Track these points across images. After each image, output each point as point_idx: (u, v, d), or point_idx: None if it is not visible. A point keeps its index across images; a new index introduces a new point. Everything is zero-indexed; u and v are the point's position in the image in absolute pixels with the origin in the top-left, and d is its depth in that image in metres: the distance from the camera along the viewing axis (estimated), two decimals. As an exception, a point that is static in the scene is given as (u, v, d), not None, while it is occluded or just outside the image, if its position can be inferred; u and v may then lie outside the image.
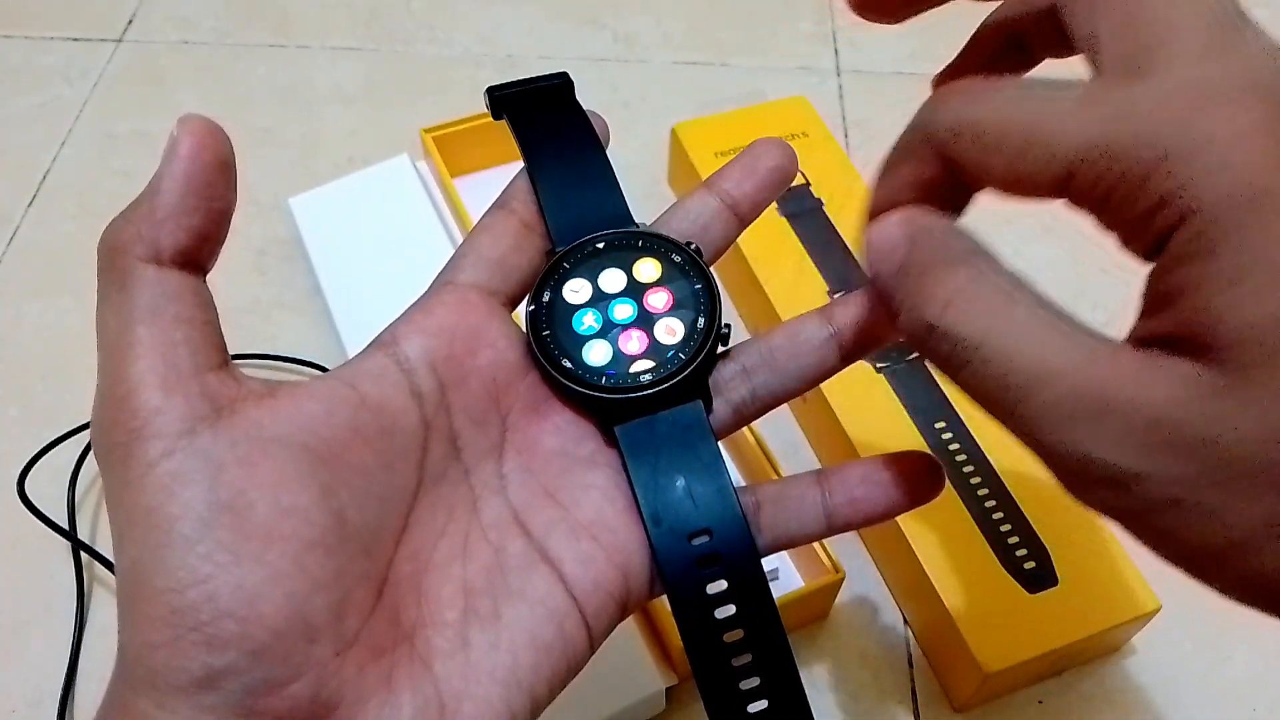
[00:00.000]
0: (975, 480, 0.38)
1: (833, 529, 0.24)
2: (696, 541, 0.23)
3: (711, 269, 0.26)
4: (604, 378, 0.24)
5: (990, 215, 0.55)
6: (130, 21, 0.59)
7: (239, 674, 0.18)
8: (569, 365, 0.24)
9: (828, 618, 0.39)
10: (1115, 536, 0.37)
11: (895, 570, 0.39)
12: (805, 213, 0.46)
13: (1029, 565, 0.36)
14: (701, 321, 0.24)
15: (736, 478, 0.39)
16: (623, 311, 0.25)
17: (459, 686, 0.21)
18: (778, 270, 0.44)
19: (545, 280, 0.25)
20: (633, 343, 0.24)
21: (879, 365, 0.41)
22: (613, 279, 0.25)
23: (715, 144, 0.49)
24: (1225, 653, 0.38)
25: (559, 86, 0.26)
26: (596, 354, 0.24)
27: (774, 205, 0.47)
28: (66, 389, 0.44)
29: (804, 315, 0.25)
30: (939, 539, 0.37)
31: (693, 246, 0.25)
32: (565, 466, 0.24)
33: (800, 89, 0.56)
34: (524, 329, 0.25)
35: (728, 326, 0.25)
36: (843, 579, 0.37)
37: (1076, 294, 0.49)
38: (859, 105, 0.56)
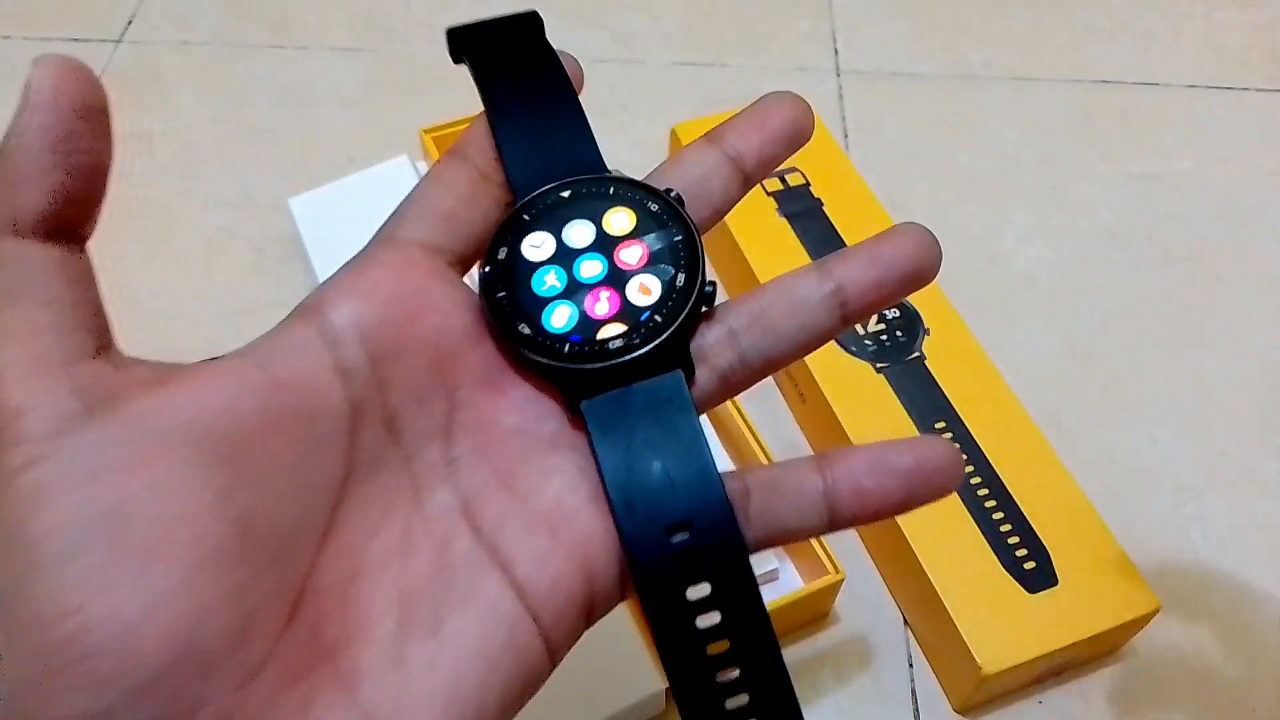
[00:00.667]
0: (975, 480, 0.38)
1: (835, 524, 0.21)
2: (676, 538, 0.20)
3: (701, 230, 0.23)
4: (567, 344, 0.21)
5: (991, 216, 0.55)
6: (129, 22, 0.59)
7: (121, 716, 0.16)
8: (527, 331, 0.21)
9: (828, 618, 0.39)
10: (1115, 537, 0.37)
11: (895, 571, 0.39)
12: (805, 213, 0.46)
13: (1029, 565, 0.36)
14: (681, 278, 0.21)
15: (724, 462, 0.39)
16: (590, 269, 0.22)
17: (391, 712, 0.18)
18: (778, 269, 0.44)
19: (501, 235, 0.22)
20: (601, 304, 0.21)
21: (879, 365, 0.41)
22: (579, 232, 0.22)
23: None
24: (1225, 654, 0.38)
25: (525, 21, 0.23)
26: (559, 317, 0.21)
27: (774, 205, 0.47)
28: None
29: (797, 271, 0.22)
30: (939, 539, 0.37)
31: (673, 194, 0.22)
32: (524, 449, 0.21)
33: (799, 89, 0.56)
34: (476, 291, 0.22)
35: (712, 284, 0.21)
36: (843, 580, 0.37)
37: (1074, 295, 0.49)
38: (858, 105, 0.56)
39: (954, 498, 0.38)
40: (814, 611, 0.38)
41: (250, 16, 0.60)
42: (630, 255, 0.22)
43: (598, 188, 0.22)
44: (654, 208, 0.22)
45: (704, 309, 0.22)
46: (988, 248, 0.50)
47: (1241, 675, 0.38)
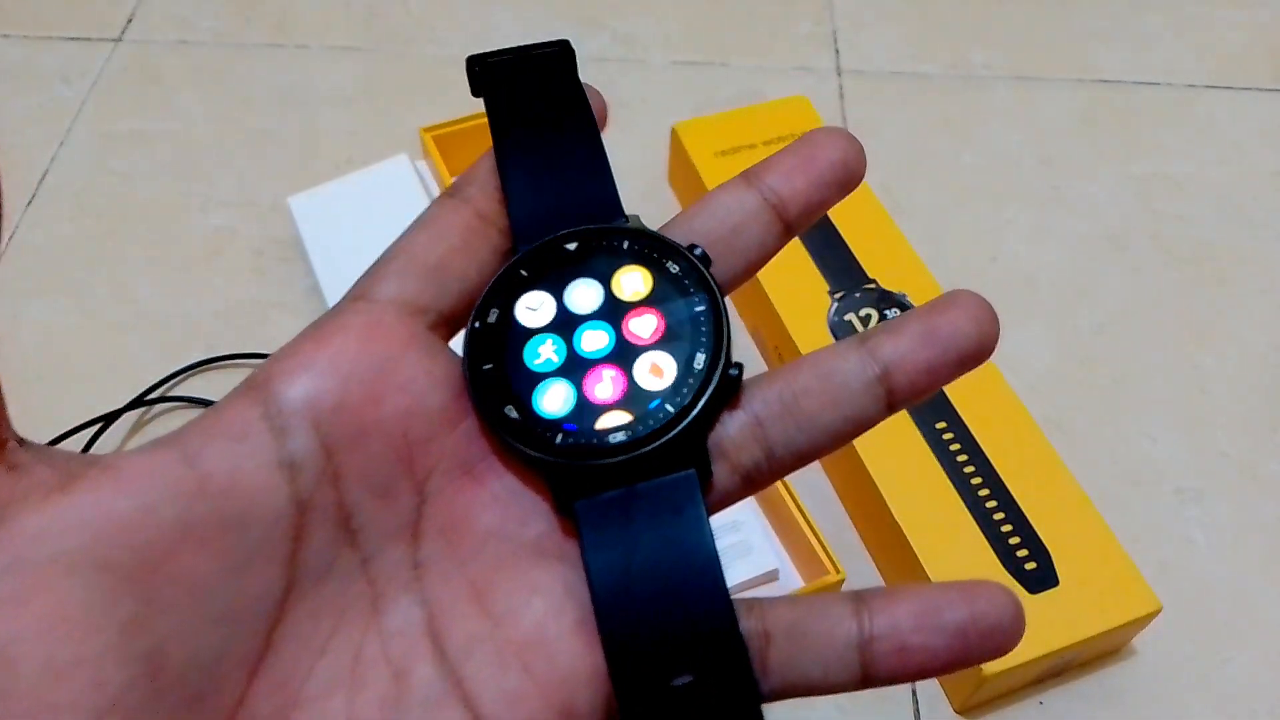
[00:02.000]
0: (976, 481, 0.38)
1: (868, 682, 0.17)
2: (679, 680, 0.16)
3: (725, 290, 0.19)
4: (560, 434, 0.17)
5: (991, 216, 0.55)
6: (129, 21, 0.59)
7: None
8: (514, 415, 0.18)
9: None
10: (1116, 538, 0.37)
11: (896, 570, 0.39)
12: (805, 213, 0.46)
13: (1030, 566, 0.36)
14: (701, 359, 0.18)
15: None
16: (593, 341, 0.18)
17: None
18: (778, 271, 0.44)
19: (494, 293, 0.19)
20: (604, 385, 0.18)
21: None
22: (584, 295, 0.19)
23: (716, 144, 0.48)
24: (1226, 654, 0.38)
25: (557, 55, 0.20)
26: (553, 400, 0.18)
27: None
28: (64, 389, 0.44)
29: (836, 347, 0.19)
30: (940, 539, 0.37)
31: (697, 251, 0.19)
32: (502, 556, 0.18)
33: (800, 89, 0.56)
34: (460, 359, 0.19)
35: (738, 367, 0.18)
36: (843, 580, 0.37)
37: (1077, 295, 0.49)
38: (859, 105, 0.56)
39: (955, 498, 0.38)
40: (814, 612, 0.38)
41: (250, 16, 0.59)
42: (642, 327, 0.18)
43: (609, 241, 0.19)
44: (674, 269, 0.19)
45: (727, 397, 0.18)
46: (989, 248, 0.50)
47: (1242, 676, 0.38)
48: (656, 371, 0.18)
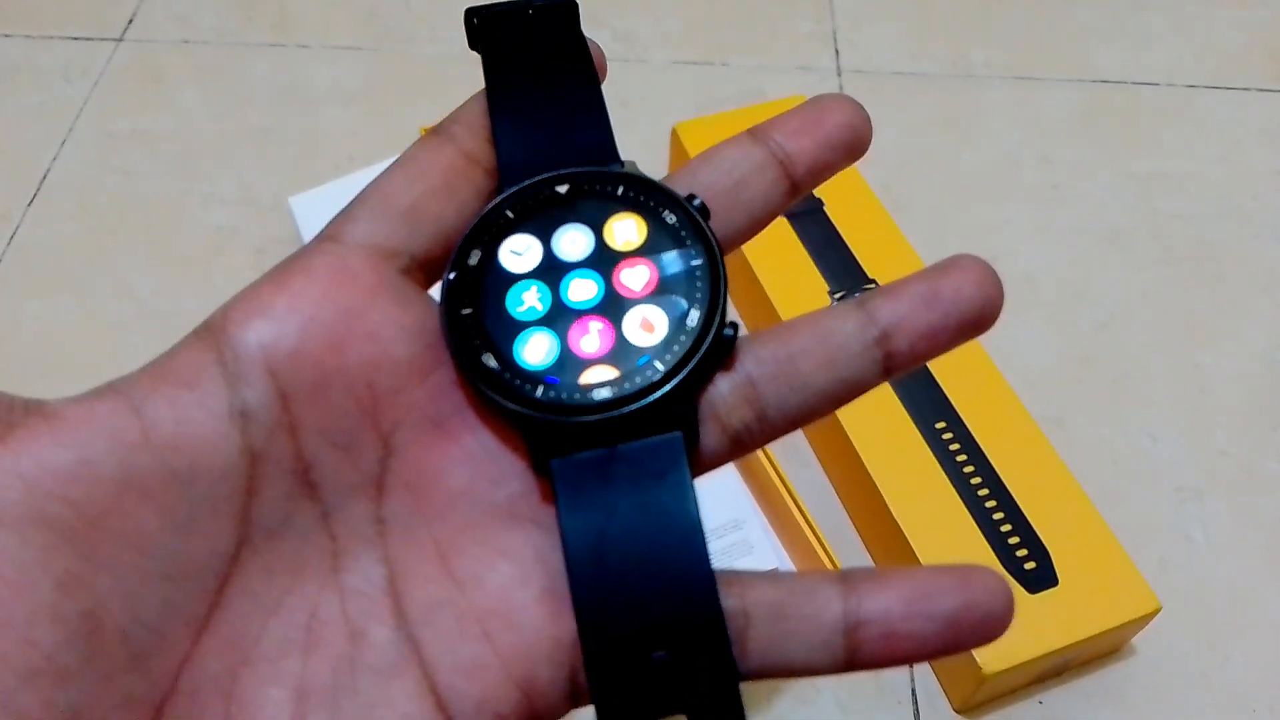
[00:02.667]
0: (975, 480, 0.38)
1: (852, 665, 0.16)
2: (654, 656, 0.16)
3: (726, 247, 0.18)
4: (541, 387, 0.16)
5: (988, 218, 0.55)
6: (131, 20, 0.59)
7: None
8: (493, 364, 0.17)
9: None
10: (1116, 537, 0.37)
11: (895, 570, 0.39)
12: (805, 212, 0.46)
13: (1029, 565, 0.36)
14: (695, 317, 0.17)
15: (732, 485, 0.39)
16: (581, 290, 0.17)
17: None
18: (778, 271, 0.44)
19: (476, 234, 0.17)
20: (590, 338, 0.17)
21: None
22: (574, 241, 0.17)
23: (716, 143, 0.48)
24: (1225, 654, 0.38)
25: (558, 7, 0.19)
26: (535, 350, 0.17)
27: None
28: (65, 388, 0.44)
29: (835, 309, 0.18)
30: (939, 538, 0.37)
31: (696, 202, 0.18)
32: (471, 517, 0.17)
33: (800, 88, 0.56)
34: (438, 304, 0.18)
35: (733, 326, 0.17)
36: (843, 579, 0.37)
37: (1076, 294, 0.49)
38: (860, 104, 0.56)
39: (954, 498, 0.38)
40: (814, 611, 0.38)
41: (251, 15, 0.59)
42: (634, 278, 0.17)
43: (602, 185, 0.18)
44: (670, 219, 0.18)
45: (720, 357, 0.17)
46: (989, 247, 0.50)
47: (1242, 675, 0.38)
48: (647, 327, 0.17)
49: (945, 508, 0.38)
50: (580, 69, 0.19)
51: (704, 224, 0.18)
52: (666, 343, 0.17)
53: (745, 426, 0.17)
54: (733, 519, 0.39)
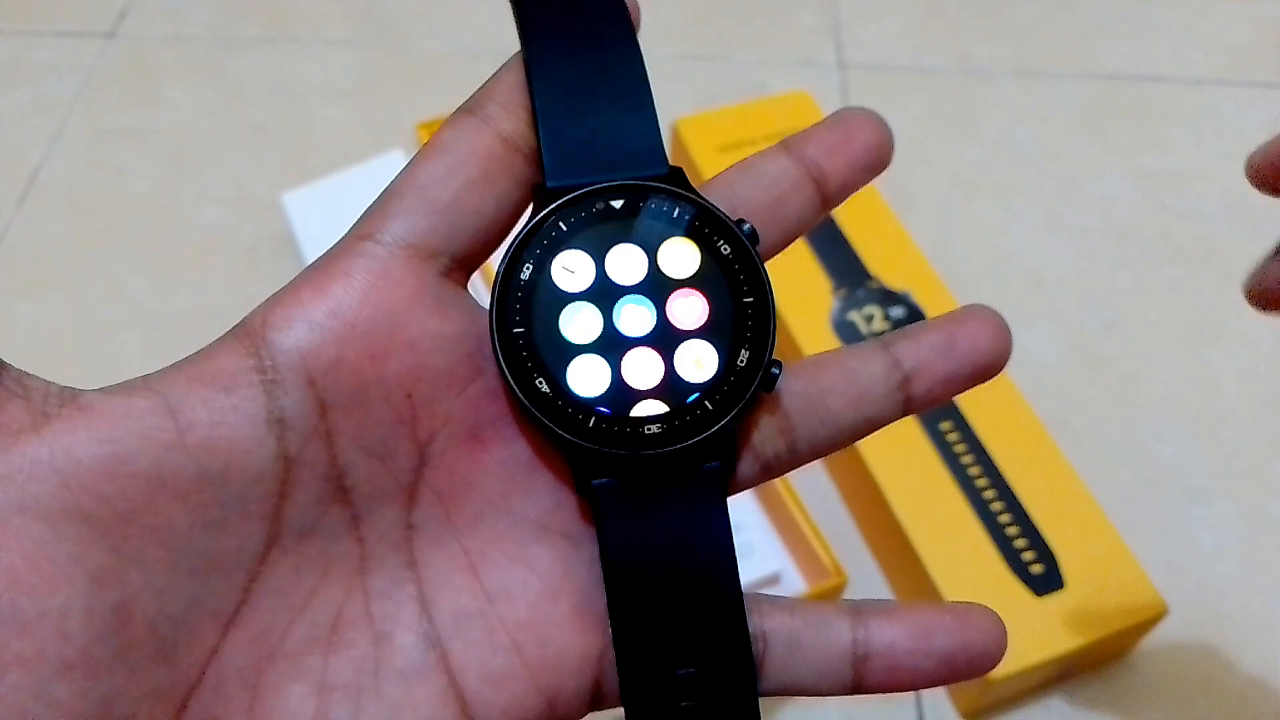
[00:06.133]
0: (981, 483, 0.38)
1: (858, 690, 0.18)
2: (681, 671, 0.16)
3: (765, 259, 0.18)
4: (593, 417, 0.16)
5: (994, 216, 0.54)
6: (122, 16, 0.58)
7: None
8: (545, 389, 0.16)
9: (830, 622, 0.38)
10: (1123, 540, 0.37)
11: (899, 573, 0.39)
12: (807, 209, 0.46)
13: (1035, 569, 0.36)
14: (745, 356, 0.17)
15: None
16: (634, 319, 0.17)
17: None
18: (780, 266, 0.44)
19: (528, 244, 0.17)
20: (642, 370, 0.17)
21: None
22: (628, 262, 0.17)
23: (717, 139, 0.48)
24: (1233, 658, 0.38)
25: None
26: (587, 377, 0.17)
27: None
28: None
29: (861, 347, 0.19)
30: (944, 542, 0.36)
31: (746, 228, 0.18)
32: (502, 528, 0.17)
33: (803, 83, 0.56)
34: (480, 321, 0.17)
35: (778, 365, 0.17)
36: (846, 583, 0.36)
37: (1082, 294, 0.48)
38: (863, 100, 0.56)
39: (960, 501, 0.37)
40: (817, 616, 0.38)
41: (243, 10, 0.59)
42: (687, 310, 0.17)
43: (659, 204, 0.17)
44: (725, 250, 0.17)
45: (764, 393, 0.18)
46: (995, 245, 0.50)
47: (1250, 680, 0.37)
48: (698, 363, 0.17)
49: (951, 511, 0.37)
50: (625, 37, 0.18)
51: (756, 257, 0.18)
52: (717, 382, 0.17)
53: (776, 455, 0.18)
54: (734, 521, 0.39)
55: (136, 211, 0.49)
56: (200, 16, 0.58)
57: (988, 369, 0.18)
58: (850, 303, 0.43)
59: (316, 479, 0.16)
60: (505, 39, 0.58)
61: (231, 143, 0.53)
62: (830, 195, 0.19)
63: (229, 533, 0.16)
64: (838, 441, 0.18)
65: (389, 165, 0.47)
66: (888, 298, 0.43)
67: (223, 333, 0.17)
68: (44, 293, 0.46)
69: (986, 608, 0.18)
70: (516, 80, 0.18)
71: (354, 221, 0.18)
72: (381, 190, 0.18)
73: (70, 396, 0.15)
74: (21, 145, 0.52)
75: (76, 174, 0.51)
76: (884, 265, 0.44)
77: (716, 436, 0.17)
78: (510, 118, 0.17)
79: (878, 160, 0.19)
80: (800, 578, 0.38)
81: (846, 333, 0.42)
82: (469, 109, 0.18)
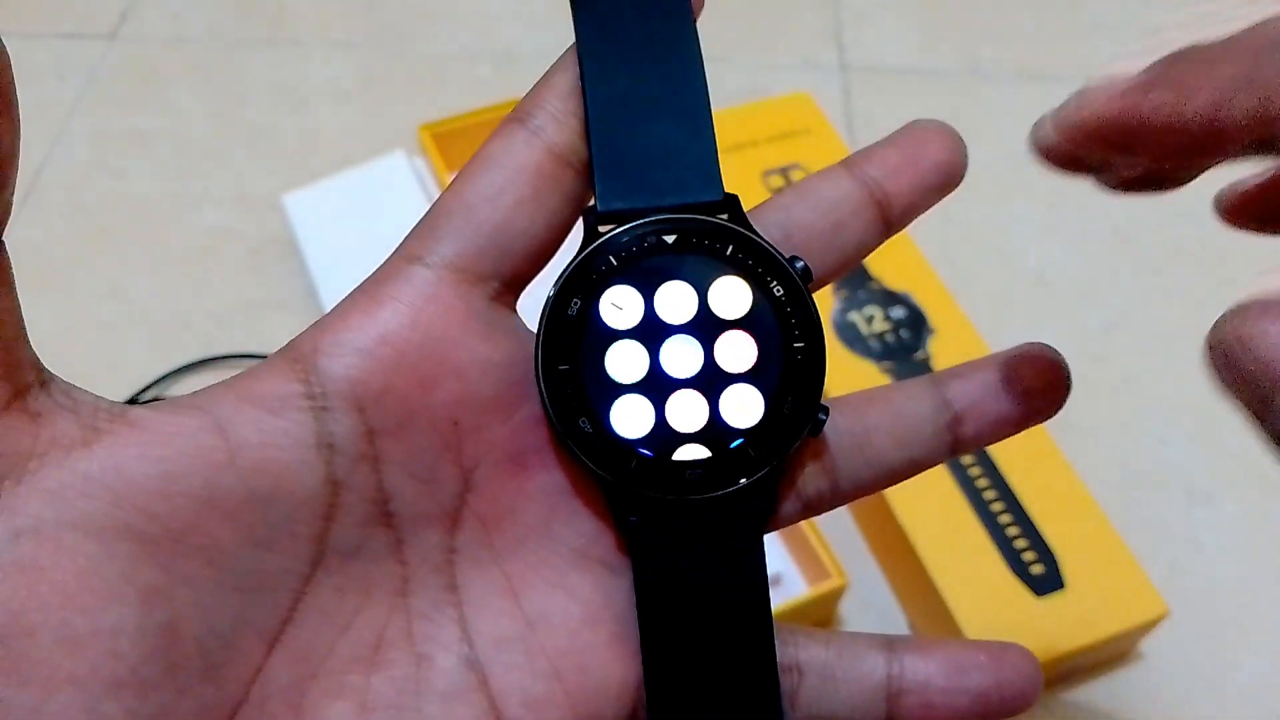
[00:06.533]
0: (982, 484, 0.38)
1: None
2: (711, 708, 0.17)
3: (818, 286, 0.18)
4: (634, 460, 0.16)
5: (1000, 214, 0.54)
6: (123, 18, 0.58)
7: None
8: (587, 429, 0.16)
9: (831, 623, 0.38)
10: (1124, 540, 0.37)
11: (900, 574, 0.39)
12: (808, 210, 0.46)
13: (1036, 569, 0.36)
14: (791, 404, 0.17)
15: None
16: (681, 359, 0.16)
17: None
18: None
19: (579, 279, 0.16)
20: (686, 414, 0.16)
21: (884, 365, 0.41)
22: (677, 300, 0.17)
23: (718, 140, 0.48)
24: (1235, 659, 0.38)
25: None
26: (630, 420, 0.16)
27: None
28: (58, 390, 0.43)
29: (907, 385, 0.18)
30: (945, 543, 0.36)
31: (799, 265, 0.17)
32: (542, 555, 0.17)
33: (804, 84, 0.56)
34: (528, 346, 0.17)
35: (825, 411, 0.17)
36: (846, 584, 0.36)
37: (1083, 295, 0.48)
38: (863, 101, 0.56)
39: (961, 501, 0.37)
40: (817, 617, 0.38)
41: (245, 11, 0.59)
42: (734, 352, 0.17)
43: (712, 240, 0.17)
44: (778, 291, 0.17)
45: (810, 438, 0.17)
46: (996, 246, 0.50)
47: (1251, 681, 0.37)
48: (744, 409, 0.17)
49: (951, 511, 0.37)
50: (686, 46, 0.17)
51: (809, 300, 0.17)
52: (762, 429, 0.17)
53: (819, 494, 0.18)
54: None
55: (138, 213, 0.49)
56: (201, 18, 0.58)
57: (1043, 411, 0.18)
58: (851, 303, 0.43)
59: (362, 502, 0.16)
60: (506, 40, 0.58)
61: (233, 144, 0.53)
62: (894, 220, 0.18)
63: (275, 553, 0.16)
64: (881, 481, 0.18)
65: (390, 167, 0.47)
66: (888, 298, 0.43)
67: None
68: (45, 293, 0.46)
69: (1021, 647, 0.18)
70: (568, 85, 0.17)
71: (402, 239, 0.18)
72: (430, 206, 0.17)
73: (119, 412, 0.15)
74: (23, 147, 0.52)
75: (78, 175, 0.51)
76: (885, 265, 0.44)
77: (759, 485, 0.17)
78: (561, 129, 0.17)
79: (948, 180, 0.19)
80: (801, 579, 0.38)
81: (847, 333, 0.42)
82: (518, 118, 0.17)
